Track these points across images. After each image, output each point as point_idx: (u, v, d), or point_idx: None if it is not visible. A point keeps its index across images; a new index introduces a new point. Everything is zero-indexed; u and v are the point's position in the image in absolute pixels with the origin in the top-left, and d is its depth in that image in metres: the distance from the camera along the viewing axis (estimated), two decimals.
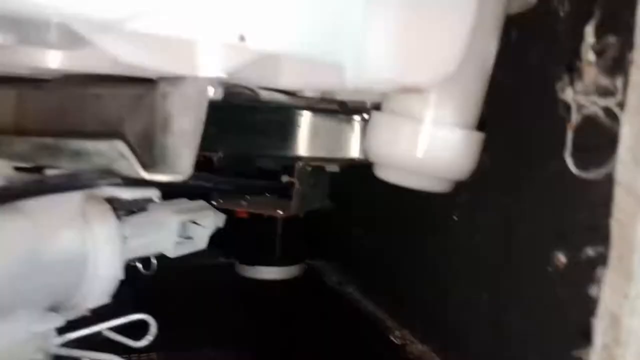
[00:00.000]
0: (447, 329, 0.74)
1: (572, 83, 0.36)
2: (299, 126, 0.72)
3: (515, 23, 0.55)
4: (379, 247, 0.94)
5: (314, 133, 0.72)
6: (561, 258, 0.46)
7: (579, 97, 0.36)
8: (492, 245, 0.66)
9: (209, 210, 0.63)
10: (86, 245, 0.49)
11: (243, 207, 0.78)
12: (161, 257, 0.64)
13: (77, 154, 0.44)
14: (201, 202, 0.64)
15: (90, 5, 0.33)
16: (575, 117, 0.36)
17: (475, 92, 0.51)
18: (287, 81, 0.50)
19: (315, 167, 0.77)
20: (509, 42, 0.57)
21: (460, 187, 0.69)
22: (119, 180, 0.42)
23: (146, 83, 0.50)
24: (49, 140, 0.45)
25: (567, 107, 0.36)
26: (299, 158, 0.73)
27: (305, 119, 0.72)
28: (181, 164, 0.43)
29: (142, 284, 0.84)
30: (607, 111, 0.35)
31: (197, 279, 1.03)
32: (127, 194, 0.43)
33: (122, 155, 0.41)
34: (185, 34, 0.38)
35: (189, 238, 0.62)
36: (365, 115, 0.68)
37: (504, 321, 0.63)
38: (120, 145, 0.41)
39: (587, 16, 0.39)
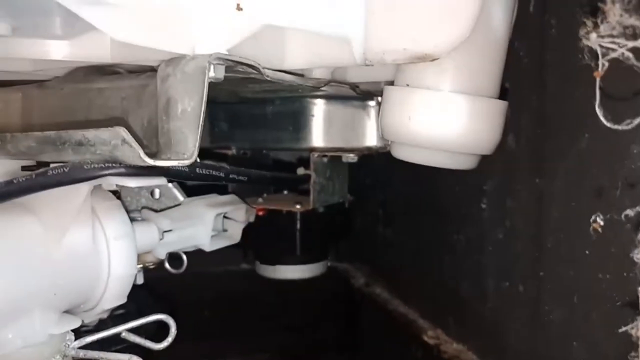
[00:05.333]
0: (484, 326, 0.71)
1: (595, 26, 0.33)
2: (312, 115, 0.70)
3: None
4: (406, 244, 0.91)
5: (329, 122, 0.70)
6: (599, 221, 0.42)
7: (604, 40, 0.33)
8: (525, 231, 0.63)
9: (241, 204, 0.62)
10: (98, 243, 0.47)
11: (260, 204, 0.76)
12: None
13: (80, 145, 0.42)
14: (233, 196, 0.64)
15: None
16: (602, 64, 0.33)
17: (494, 58, 0.48)
18: (293, 59, 0.49)
19: (332, 158, 0.75)
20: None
21: (486, 172, 0.66)
22: (123, 170, 0.41)
23: (149, 73, 0.49)
24: (52, 134, 0.43)
25: (594, 54, 0.33)
26: (314, 149, 0.71)
27: (319, 107, 0.70)
28: (186, 147, 0.41)
29: (163, 291, 0.83)
30: (637, 52, 0.32)
31: (218, 284, 1.02)
32: (133, 182, 0.42)
33: (125, 142, 0.39)
34: (179, 4, 0.36)
35: (223, 232, 0.61)
36: (380, 99, 0.66)
37: (543, 312, 0.60)
38: (122, 132, 0.39)
39: None
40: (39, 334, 0.45)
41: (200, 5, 0.38)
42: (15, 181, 0.41)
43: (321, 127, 0.70)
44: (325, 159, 0.73)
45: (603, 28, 0.33)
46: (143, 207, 0.58)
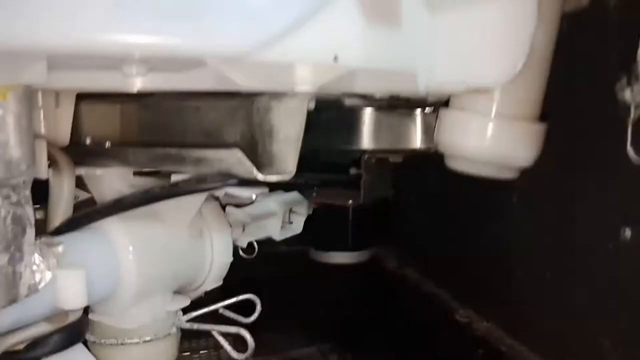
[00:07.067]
0: (512, 307, 0.78)
1: (629, 84, 0.41)
2: (364, 122, 0.78)
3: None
4: (438, 230, 0.98)
5: (378, 128, 0.79)
6: (627, 233, 0.51)
7: (636, 96, 0.41)
8: (551, 226, 0.71)
9: (303, 200, 0.73)
10: (204, 237, 0.57)
11: (317, 198, 0.85)
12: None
13: (199, 161, 0.51)
14: (296, 194, 0.74)
15: (228, 45, 0.40)
16: (634, 113, 0.42)
17: (537, 87, 0.57)
18: (364, 87, 0.57)
19: (379, 158, 0.84)
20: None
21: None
22: (236, 182, 0.50)
23: (240, 96, 0.58)
24: (172, 151, 0.52)
25: (627, 106, 0.42)
26: (365, 151, 0.80)
27: (370, 115, 0.78)
28: (287, 165, 0.51)
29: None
30: None
31: (273, 265, 1.09)
32: (245, 192, 0.51)
33: (240, 161, 0.49)
34: (299, 60, 0.45)
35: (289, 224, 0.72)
36: (427, 109, 0.74)
37: (569, 298, 0.68)
38: (239, 154, 0.48)
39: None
40: (159, 311, 0.56)
41: (307, 61, 0.46)
42: (151, 191, 0.50)
43: (371, 133, 0.78)
44: (373, 160, 0.82)
45: (636, 87, 0.41)
46: (227, 204, 0.67)
